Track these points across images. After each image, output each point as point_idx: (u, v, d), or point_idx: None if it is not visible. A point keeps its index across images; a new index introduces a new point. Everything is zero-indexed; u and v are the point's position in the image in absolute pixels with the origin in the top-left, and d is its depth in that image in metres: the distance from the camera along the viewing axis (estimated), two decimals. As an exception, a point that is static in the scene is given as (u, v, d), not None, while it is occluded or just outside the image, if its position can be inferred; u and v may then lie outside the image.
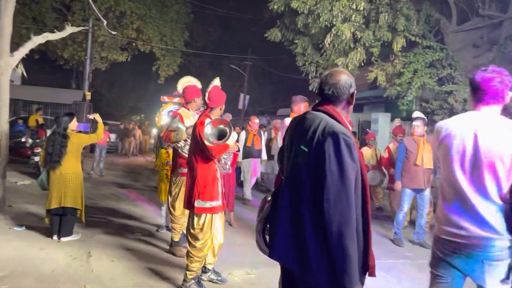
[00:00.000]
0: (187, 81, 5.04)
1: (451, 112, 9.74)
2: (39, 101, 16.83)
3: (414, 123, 5.92)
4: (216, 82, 4.11)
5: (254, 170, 8.68)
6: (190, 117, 4.91)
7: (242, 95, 24.96)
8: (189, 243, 3.92)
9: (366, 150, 8.15)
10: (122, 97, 33.25)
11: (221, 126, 3.85)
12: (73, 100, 17.78)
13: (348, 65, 11.05)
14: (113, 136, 19.26)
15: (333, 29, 10.80)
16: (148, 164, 16.17)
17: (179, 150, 4.80)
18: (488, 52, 11.02)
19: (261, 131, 9.29)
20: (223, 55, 23.61)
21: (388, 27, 10.75)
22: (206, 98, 4.03)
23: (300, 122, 2.15)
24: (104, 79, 30.82)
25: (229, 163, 4.18)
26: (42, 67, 28.47)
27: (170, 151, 5.79)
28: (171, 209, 4.98)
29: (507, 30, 10.62)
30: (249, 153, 8.55)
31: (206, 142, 3.75)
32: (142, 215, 6.96)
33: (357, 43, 11.15)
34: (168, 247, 5.11)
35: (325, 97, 2.13)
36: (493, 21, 10.86)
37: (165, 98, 27.76)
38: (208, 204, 3.89)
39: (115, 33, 16.60)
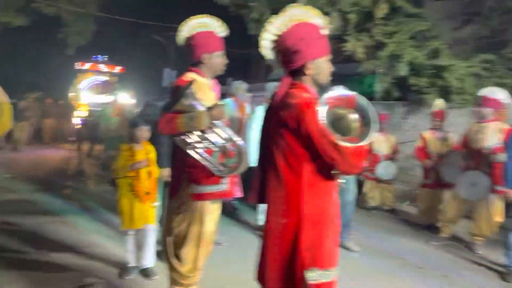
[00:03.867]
0: (200, 24, 2.80)
1: (446, 91, 8.50)
2: None
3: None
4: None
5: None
6: (205, 90, 2.76)
7: (166, 70, 22.14)
8: None
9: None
10: (18, 72, 28.12)
11: (346, 111, 1.90)
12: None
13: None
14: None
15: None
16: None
17: (190, 151, 2.62)
18: (468, 24, 10.01)
19: None
20: (148, 22, 20.43)
21: (368, -10, 9.18)
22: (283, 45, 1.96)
23: None
24: (-5, 49, 25.80)
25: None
26: None
27: (142, 148, 3.59)
28: (173, 261, 2.79)
29: (491, 0, 9.66)
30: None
31: (340, 142, 1.74)
32: (90, 248, 4.53)
33: (332, 8, 9.42)
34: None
35: None
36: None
37: (85, 65, 17.76)
38: (333, 274, 1.88)
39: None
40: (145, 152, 3.75)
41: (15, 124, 11.88)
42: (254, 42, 10.58)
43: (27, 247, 4.34)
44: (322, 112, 1.87)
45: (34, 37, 22.93)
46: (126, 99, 7.91)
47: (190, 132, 2.58)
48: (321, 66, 2.04)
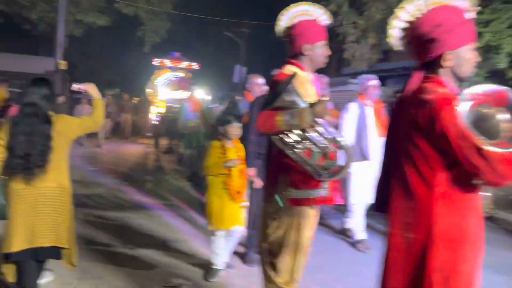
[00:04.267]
0: (300, 13, 2.56)
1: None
2: (2, 70, 13.78)
3: None
4: None
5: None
6: (306, 85, 2.51)
7: (237, 67, 22.28)
8: None
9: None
10: (98, 69, 29.87)
11: (494, 109, 1.56)
12: (45, 70, 14.71)
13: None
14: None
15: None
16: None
17: (288, 151, 2.39)
18: None
19: None
20: (220, 19, 20.65)
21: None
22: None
23: None
24: (79, 49, 27.49)
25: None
26: (4, 34, 24.93)
27: (233, 146, 3.46)
28: (268, 271, 2.58)
29: None
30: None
31: (486, 146, 1.43)
32: (175, 245, 4.51)
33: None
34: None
35: None
36: None
37: (164, 62, 15.18)
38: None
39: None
40: (236, 150, 3.62)
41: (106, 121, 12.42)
42: None
43: (115, 241, 4.40)
44: (463, 110, 1.55)
45: (113, 37, 24.13)
46: (202, 95, 7.94)
47: (290, 131, 2.36)
48: (463, 56, 1.72)
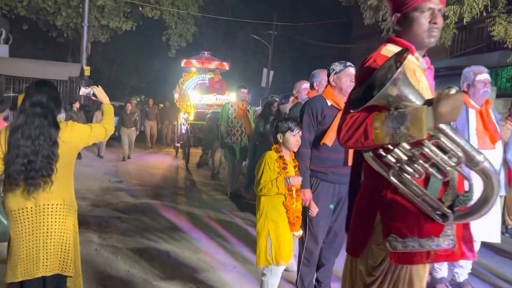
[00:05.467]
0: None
1: None
2: (26, 77, 13.40)
3: None
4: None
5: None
6: (418, 73, 1.62)
7: (265, 71, 21.50)
8: None
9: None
10: (123, 75, 29.67)
11: None
12: (69, 76, 14.24)
13: (464, 15, 7.64)
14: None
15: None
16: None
17: (392, 177, 1.50)
18: None
19: None
20: (245, 20, 19.90)
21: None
22: None
23: None
24: (103, 55, 27.32)
25: None
26: (34, 42, 24.94)
27: (291, 158, 2.68)
28: None
29: None
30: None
31: None
32: (210, 281, 3.61)
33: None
34: None
35: None
36: None
37: (193, 63, 11.87)
38: None
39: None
40: (294, 163, 2.84)
41: (121, 129, 10.62)
42: (354, 37, 9.20)
43: (135, 272, 3.59)
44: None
45: (138, 42, 23.75)
46: (240, 98, 6.86)
47: (396, 144, 1.47)
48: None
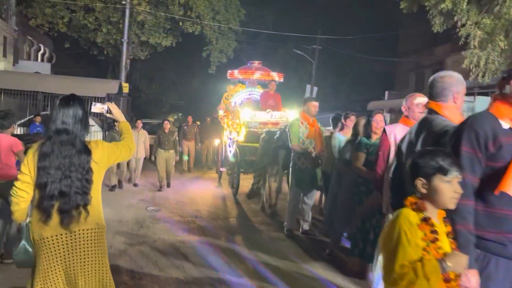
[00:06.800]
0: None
1: None
2: (63, 94, 12.86)
3: None
4: None
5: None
6: None
7: (308, 87, 20.46)
8: None
9: None
10: (162, 93, 29.48)
11: None
12: (107, 93, 13.65)
13: None
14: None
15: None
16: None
17: None
18: None
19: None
20: (289, 34, 19.02)
21: None
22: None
23: None
24: (142, 72, 27.22)
25: None
26: (76, 60, 25.15)
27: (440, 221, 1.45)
28: None
29: None
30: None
31: None
32: None
33: None
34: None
35: None
36: None
37: (236, 74, 9.66)
38: None
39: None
40: (446, 228, 1.71)
41: (158, 151, 8.85)
42: (403, 50, 8.10)
43: None
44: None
45: (177, 59, 23.36)
46: (310, 113, 5.42)
47: None
48: None
